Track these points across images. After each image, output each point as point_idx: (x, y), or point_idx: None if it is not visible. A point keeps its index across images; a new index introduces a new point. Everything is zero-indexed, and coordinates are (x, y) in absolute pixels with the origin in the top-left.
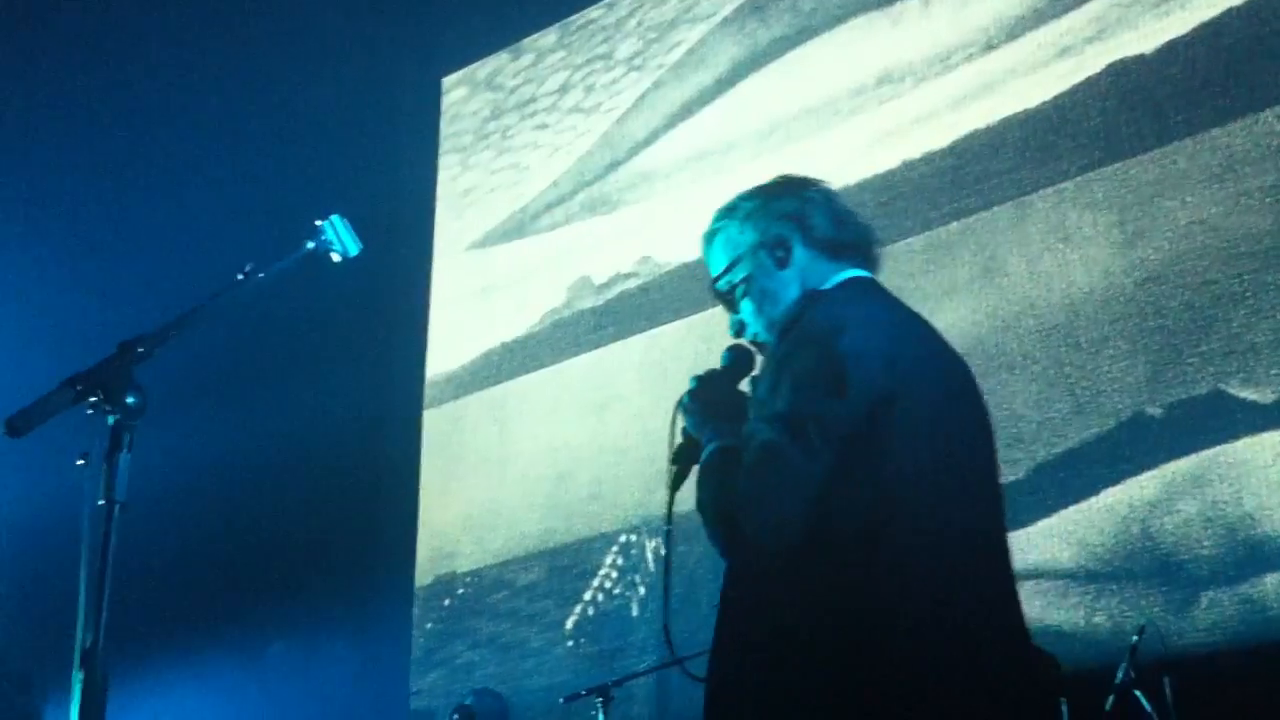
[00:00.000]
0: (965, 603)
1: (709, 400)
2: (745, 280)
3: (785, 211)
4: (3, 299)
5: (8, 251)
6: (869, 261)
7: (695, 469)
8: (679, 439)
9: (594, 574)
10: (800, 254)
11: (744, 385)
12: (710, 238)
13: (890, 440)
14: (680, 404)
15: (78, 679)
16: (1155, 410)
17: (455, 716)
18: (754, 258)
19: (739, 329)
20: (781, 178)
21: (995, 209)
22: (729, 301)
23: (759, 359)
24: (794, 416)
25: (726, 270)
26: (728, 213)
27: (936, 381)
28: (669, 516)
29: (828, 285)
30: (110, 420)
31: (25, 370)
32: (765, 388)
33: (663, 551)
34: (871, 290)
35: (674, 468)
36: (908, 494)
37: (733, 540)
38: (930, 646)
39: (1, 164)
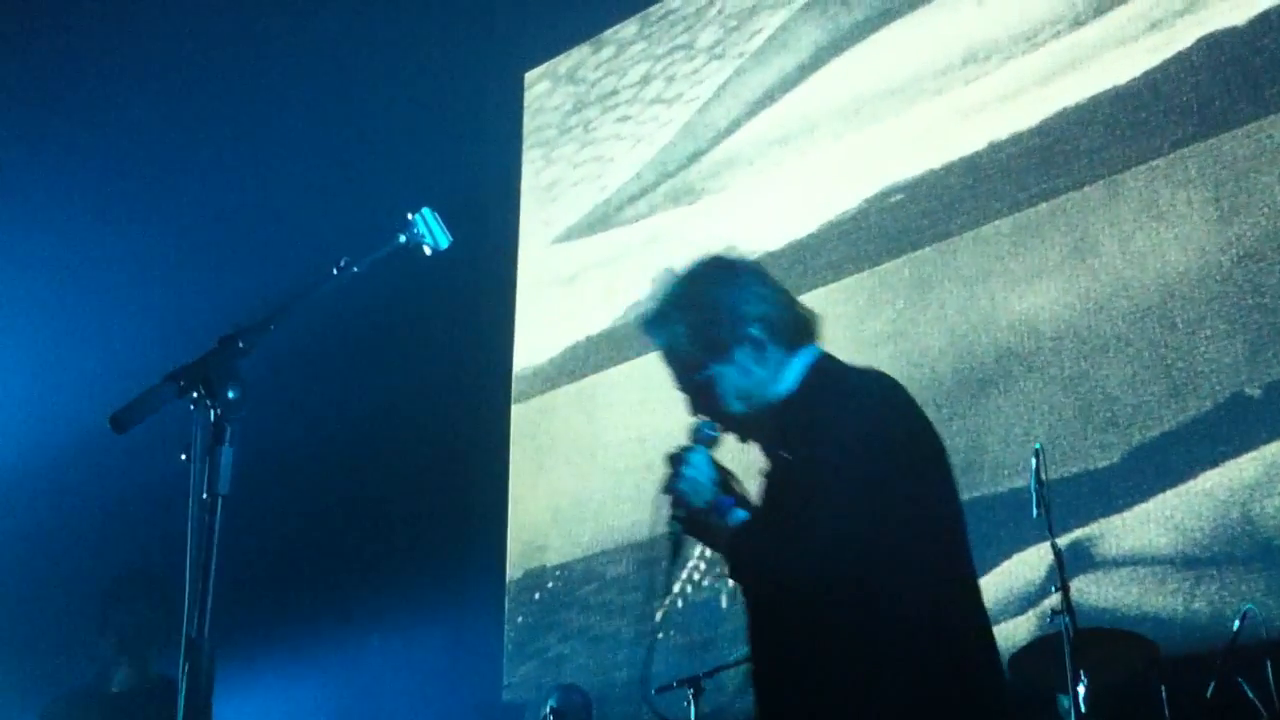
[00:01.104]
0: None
1: (710, 471)
2: (715, 376)
3: (751, 313)
4: (105, 294)
5: (110, 247)
6: (816, 336)
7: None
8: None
9: (683, 566)
10: (768, 346)
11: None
12: (661, 328)
13: (931, 483)
14: (690, 465)
15: (184, 669)
16: (1254, 390)
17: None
18: (729, 361)
19: (710, 416)
20: (719, 269)
21: (1086, 188)
22: (695, 393)
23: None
24: (848, 477)
25: (699, 369)
26: (679, 308)
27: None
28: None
29: (797, 362)
30: (212, 415)
31: (128, 365)
32: (797, 449)
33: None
34: (858, 370)
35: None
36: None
37: (789, 592)
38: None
39: (104, 159)
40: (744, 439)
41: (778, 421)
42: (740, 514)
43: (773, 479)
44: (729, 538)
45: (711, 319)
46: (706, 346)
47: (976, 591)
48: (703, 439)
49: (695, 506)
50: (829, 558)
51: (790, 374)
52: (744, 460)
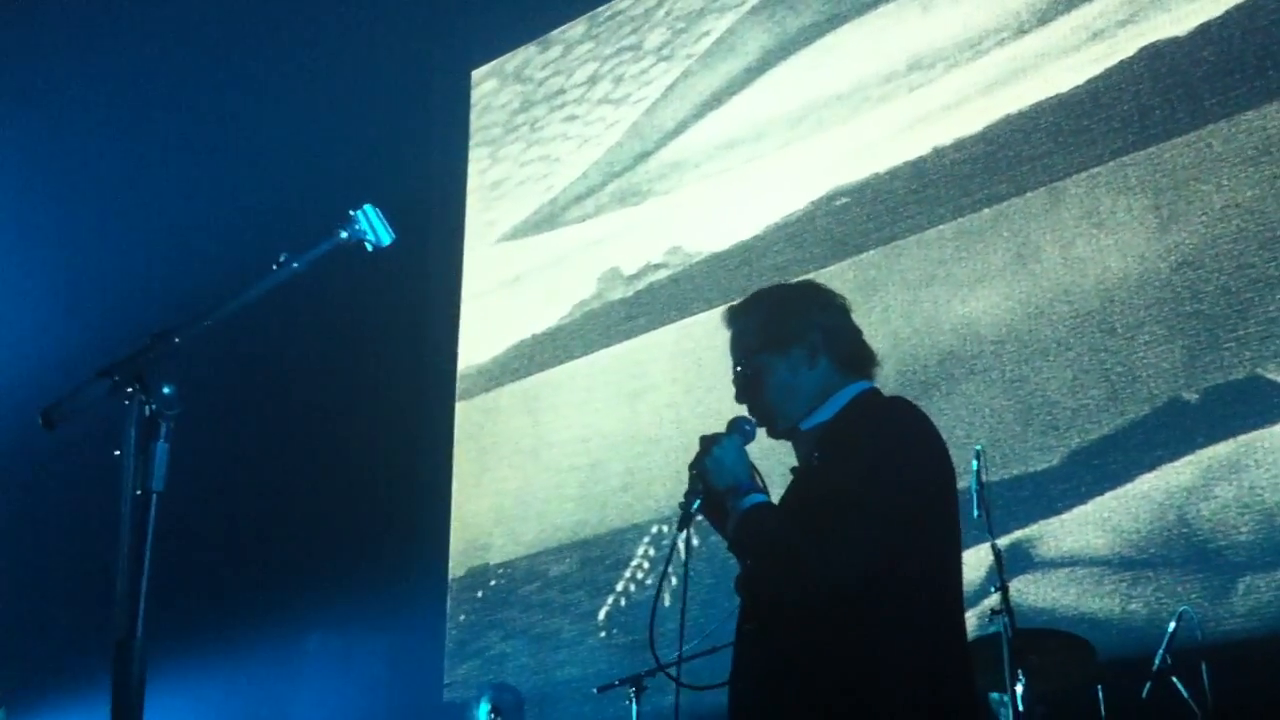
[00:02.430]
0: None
1: (739, 459)
2: (768, 368)
3: (818, 322)
4: (37, 290)
5: (41, 243)
6: (872, 377)
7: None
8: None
9: (626, 565)
10: (824, 362)
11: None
12: (741, 316)
13: (939, 519)
14: (722, 447)
15: (114, 670)
16: (1192, 396)
17: (488, 696)
18: (784, 353)
19: (749, 405)
20: (811, 285)
21: (1028, 194)
22: (744, 380)
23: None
24: (865, 493)
25: (756, 350)
26: (762, 302)
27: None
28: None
29: (846, 392)
30: (146, 411)
31: (60, 361)
32: (822, 465)
33: (681, 554)
34: (894, 400)
35: (687, 507)
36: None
37: (790, 583)
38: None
39: (33, 153)
40: (776, 436)
41: (813, 435)
42: (758, 497)
43: (795, 484)
44: (739, 516)
45: (782, 315)
46: (769, 337)
47: (961, 636)
48: (739, 431)
49: (716, 486)
50: (832, 562)
51: (838, 400)
52: (765, 466)
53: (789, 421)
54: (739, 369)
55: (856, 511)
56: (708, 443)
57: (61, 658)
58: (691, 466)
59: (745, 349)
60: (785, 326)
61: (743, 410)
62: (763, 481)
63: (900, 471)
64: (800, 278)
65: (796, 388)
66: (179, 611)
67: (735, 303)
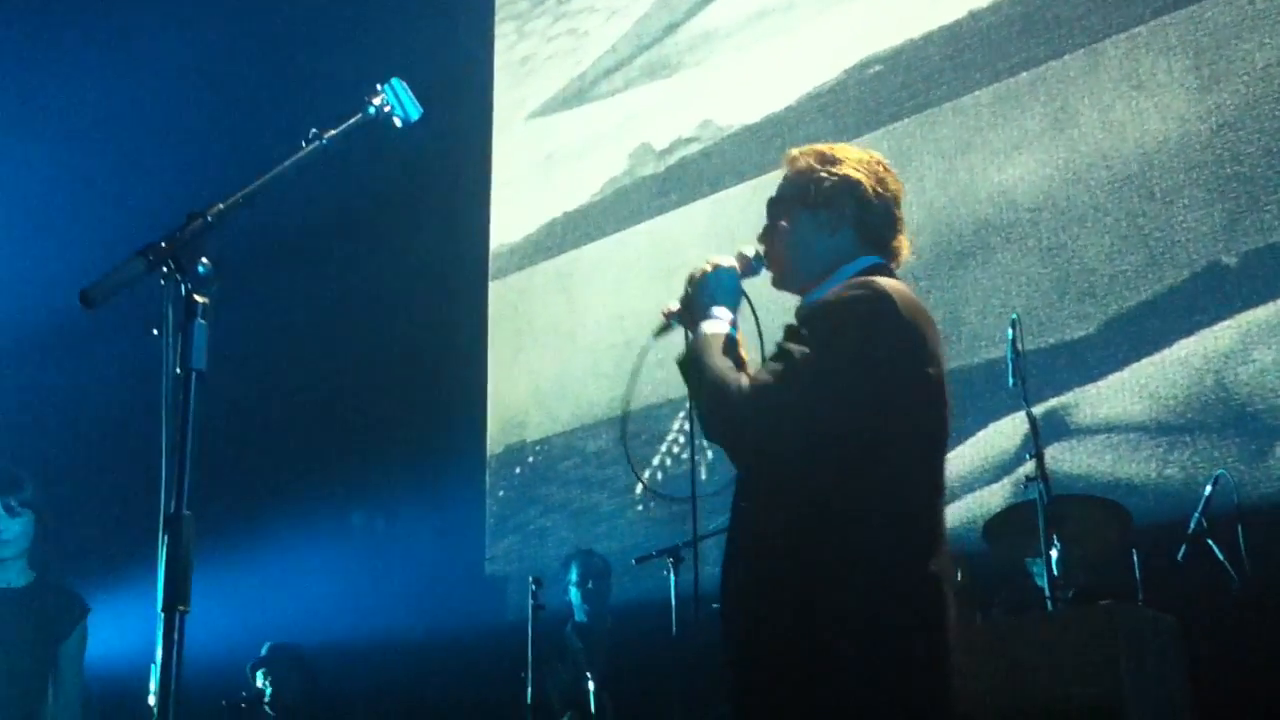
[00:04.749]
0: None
1: (732, 287)
2: (794, 221)
3: (859, 194)
4: (74, 170)
5: (79, 121)
6: (892, 259)
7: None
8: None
9: (662, 439)
10: (847, 234)
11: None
12: (795, 161)
13: (897, 406)
14: (722, 270)
15: (163, 544)
16: (1231, 260)
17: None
18: (813, 212)
19: (765, 246)
20: (876, 161)
21: (1066, 57)
22: (770, 223)
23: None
24: (833, 357)
25: (790, 201)
26: (819, 155)
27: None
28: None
29: (852, 266)
30: (183, 290)
31: (98, 242)
32: (805, 317)
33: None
34: (883, 280)
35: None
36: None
37: (710, 419)
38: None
39: (72, 31)
40: (778, 287)
41: (807, 304)
42: (725, 327)
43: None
44: (695, 335)
45: (827, 176)
46: (804, 192)
47: (927, 533)
48: (745, 264)
49: (696, 299)
50: (754, 414)
51: (841, 275)
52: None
53: (794, 279)
54: (772, 207)
55: (794, 372)
56: (712, 263)
57: (114, 533)
58: (687, 282)
59: (782, 195)
60: (823, 186)
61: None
62: (759, 328)
63: (852, 345)
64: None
65: (812, 249)
66: (225, 489)
67: (801, 147)
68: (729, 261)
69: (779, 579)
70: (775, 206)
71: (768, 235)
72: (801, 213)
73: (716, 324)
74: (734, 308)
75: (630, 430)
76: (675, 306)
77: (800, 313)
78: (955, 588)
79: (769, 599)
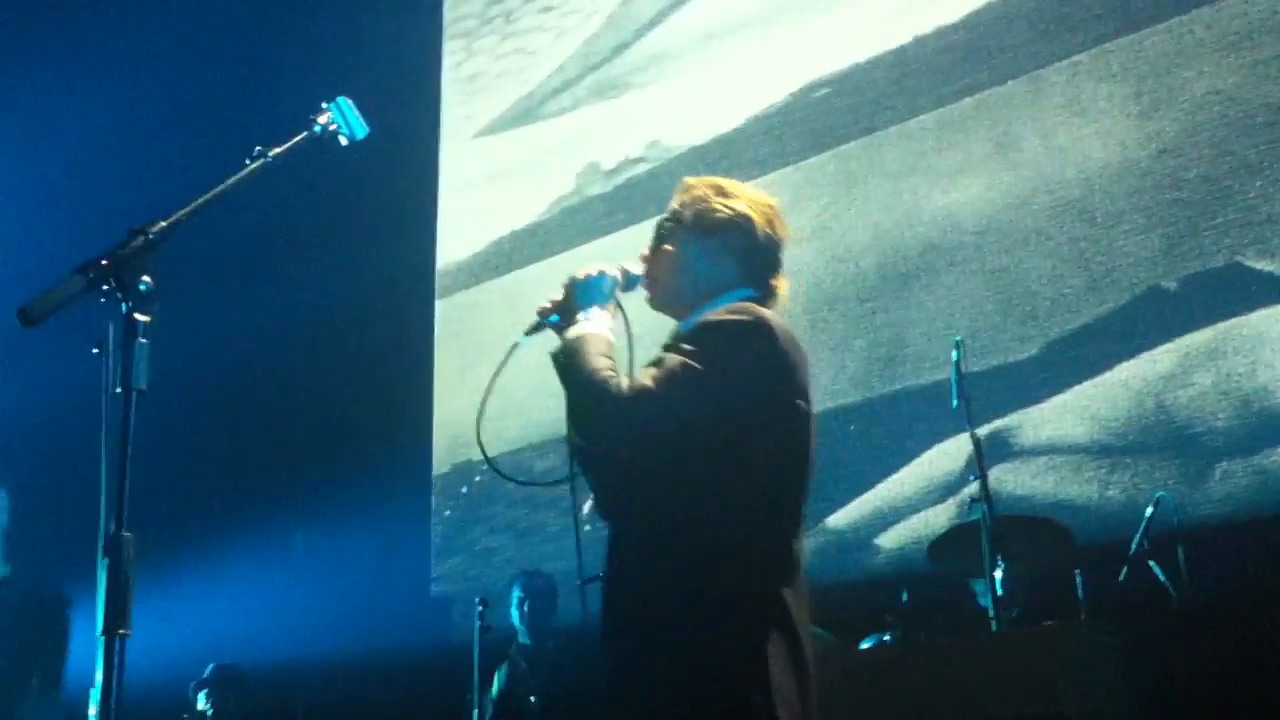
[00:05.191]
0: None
1: (609, 294)
2: (682, 245)
3: (751, 230)
4: (13, 186)
5: (17, 141)
6: (769, 297)
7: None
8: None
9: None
10: (731, 266)
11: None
12: (692, 187)
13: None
14: (600, 277)
15: (103, 566)
16: (1170, 284)
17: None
18: (702, 240)
19: (647, 265)
20: (771, 205)
21: (1009, 83)
22: (657, 240)
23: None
24: (710, 370)
25: (681, 226)
26: (716, 187)
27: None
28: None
29: (729, 296)
30: (124, 308)
31: (38, 257)
32: (686, 333)
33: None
34: (758, 309)
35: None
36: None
37: (582, 418)
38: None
39: (15, 47)
40: (653, 306)
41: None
42: (601, 330)
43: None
44: (573, 334)
45: (723, 208)
46: (699, 218)
47: (770, 553)
48: (624, 277)
49: (574, 303)
50: (621, 415)
51: (718, 303)
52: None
53: (672, 300)
54: (661, 228)
55: (672, 380)
56: (595, 269)
57: (54, 551)
58: (563, 284)
59: (673, 219)
60: (715, 217)
61: None
62: (630, 343)
63: (729, 364)
64: (779, 170)
65: (694, 274)
66: (168, 509)
67: (700, 177)
68: (611, 271)
69: (643, 578)
70: (665, 229)
71: (652, 255)
72: (691, 239)
73: (595, 325)
74: (605, 301)
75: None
76: (549, 304)
77: (678, 331)
78: (808, 617)
79: (636, 593)
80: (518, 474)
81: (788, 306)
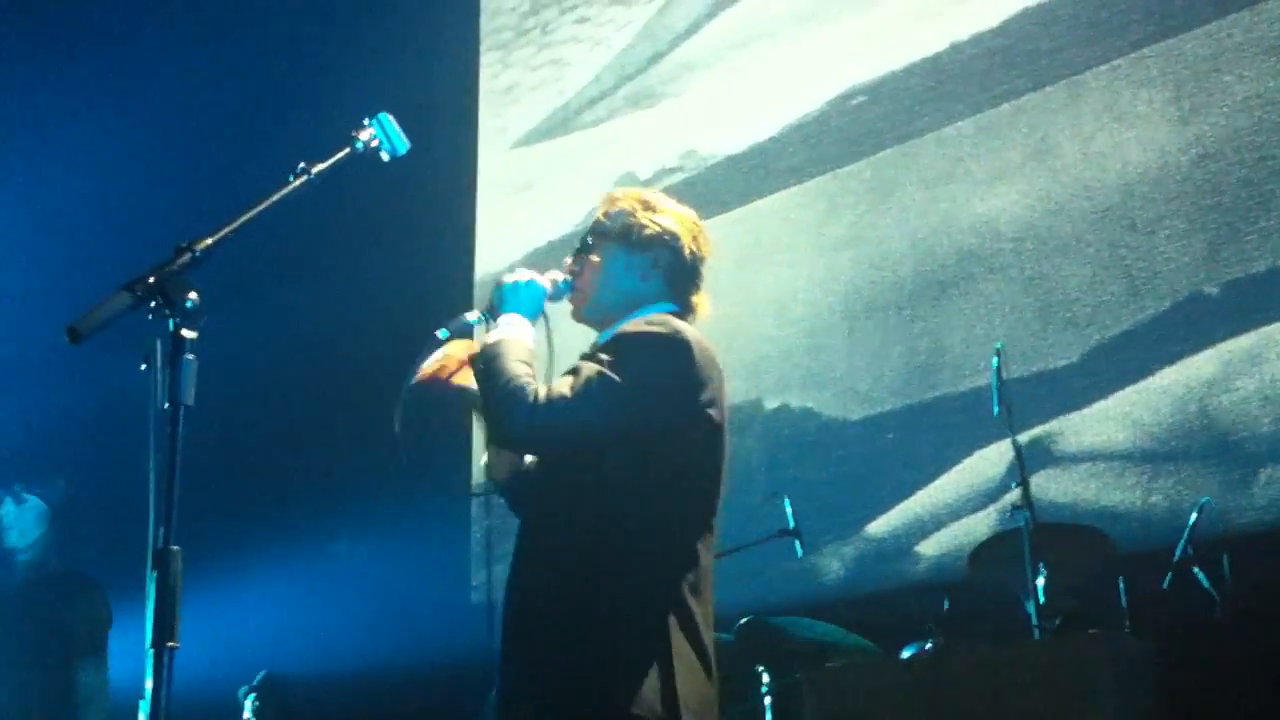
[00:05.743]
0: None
1: (537, 301)
2: (609, 258)
3: (678, 249)
4: (60, 204)
5: (65, 157)
6: (689, 313)
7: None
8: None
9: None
10: (656, 280)
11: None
12: (621, 200)
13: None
14: (529, 284)
15: (151, 579)
16: (1212, 289)
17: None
18: (629, 254)
19: (573, 276)
20: (697, 224)
21: (1047, 89)
22: (584, 251)
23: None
24: (626, 381)
25: (609, 238)
26: (645, 202)
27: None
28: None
29: (658, 308)
30: (170, 324)
31: (85, 275)
32: (604, 344)
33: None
34: (679, 323)
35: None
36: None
37: (496, 415)
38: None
39: (59, 66)
40: (576, 317)
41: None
42: (524, 333)
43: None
44: (494, 335)
45: (653, 225)
46: (629, 232)
47: (678, 565)
48: (553, 286)
49: (500, 307)
50: (539, 415)
51: (639, 314)
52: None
53: (595, 312)
54: (587, 239)
55: (589, 388)
56: (525, 276)
57: (103, 567)
58: (498, 283)
59: (602, 231)
60: (643, 232)
61: None
62: (552, 352)
63: (646, 374)
64: (816, 178)
65: (620, 288)
66: (211, 519)
67: (624, 190)
68: (542, 280)
69: (549, 583)
70: (593, 240)
71: (578, 262)
72: (618, 252)
73: (516, 330)
74: (534, 321)
75: None
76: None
77: (597, 342)
78: (712, 624)
79: (540, 598)
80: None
81: (821, 316)
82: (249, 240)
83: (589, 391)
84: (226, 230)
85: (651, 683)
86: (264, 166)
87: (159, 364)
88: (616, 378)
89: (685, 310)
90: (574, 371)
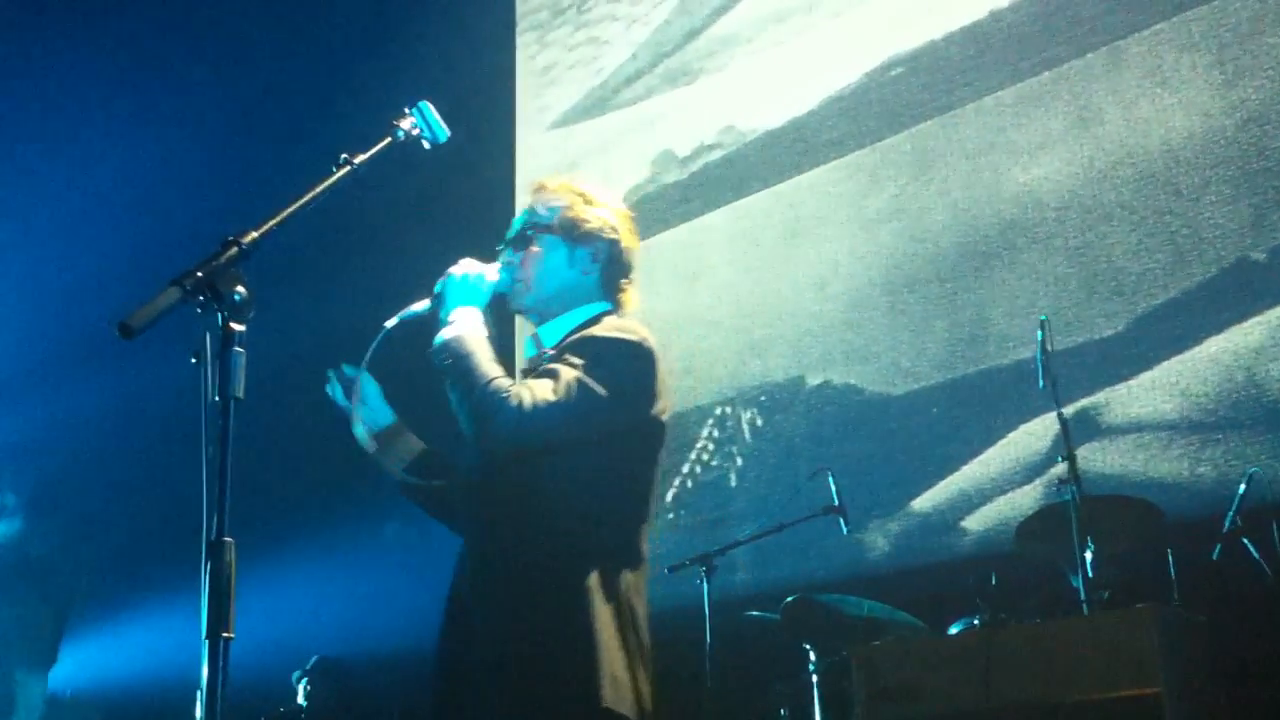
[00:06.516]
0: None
1: (483, 293)
2: (550, 250)
3: (616, 241)
4: (107, 199)
5: (112, 152)
6: (619, 309)
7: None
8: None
9: (691, 447)
10: (595, 274)
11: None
12: (560, 190)
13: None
14: (476, 276)
15: (205, 571)
16: (1259, 255)
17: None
18: (571, 248)
19: (511, 273)
20: (627, 216)
21: (1088, 56)
22: (522, 243)
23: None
24: (607, 391)
25: (551, 230)
26: (583, 195)
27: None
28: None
29: (591, 308)
30: (220, 318)
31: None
32: (573, 346)
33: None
34: (632, 324)
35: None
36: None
37: (468, 410)
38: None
39: (102, 63)
40: (513, 309)
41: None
42: (478, 328)
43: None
44: (456, 329)
45: (592, 217)
46: (570, 225)
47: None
48: (499, 277)
49: (450, 301)
50: (506, 412)
51: (581, 313)
52: None
53: (533, 304)
54: (525, 230)
55: (568, 392)
56: (474, 268)
57: (159, 559)
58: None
59: (543, 223)
60: (585, 227)
61: None
62: (492, 342)
63: (616, 381)
64: (855, 152)
65: (561, 281)
66: (263, 506)
67: (565, 177)
68: (490, 273)
69: (498, 579)
70: (533, 231)
71: (516, 252)
72: (560, 245)
73: (473, 326)
74: (483, 300)
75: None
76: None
77: (558, 341)
78: (645, 611)
79: (490, 595)
80: None
81: (863, 290)
82: (295, 231)
83: (571, 399)
84: (273, 223)
85: (579, 654)
86: (307, 159)
87: (208, 357)
88: (598, 387)
89: (617, 306)
90: (550, 374)
